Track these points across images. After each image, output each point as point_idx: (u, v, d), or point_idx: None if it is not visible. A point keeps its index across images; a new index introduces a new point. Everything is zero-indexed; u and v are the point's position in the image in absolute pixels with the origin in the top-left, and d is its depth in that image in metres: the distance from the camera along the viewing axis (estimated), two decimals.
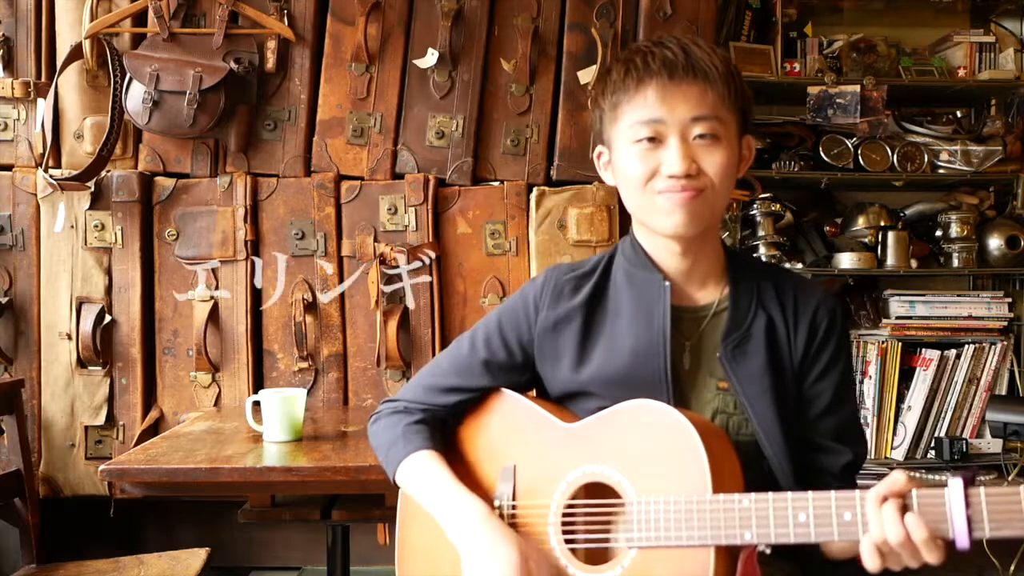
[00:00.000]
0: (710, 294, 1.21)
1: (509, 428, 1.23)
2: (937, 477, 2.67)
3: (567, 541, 1.11)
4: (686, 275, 1.21)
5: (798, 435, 1.17)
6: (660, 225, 1.16)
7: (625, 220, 2.52)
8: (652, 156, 1.13)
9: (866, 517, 0.94)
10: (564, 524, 1.12)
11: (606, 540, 1.09)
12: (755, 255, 2.64)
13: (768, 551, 1.01)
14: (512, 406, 1.25)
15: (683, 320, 1.19)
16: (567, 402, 1.24)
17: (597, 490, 1.09)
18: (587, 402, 1.19)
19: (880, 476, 0.98)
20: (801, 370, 1.18)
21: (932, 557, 0.90)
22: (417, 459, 1.21)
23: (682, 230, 1.15)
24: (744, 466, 1.08)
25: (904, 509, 0.92)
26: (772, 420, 1.13)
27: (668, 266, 1.20)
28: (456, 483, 1.17)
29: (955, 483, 0.89)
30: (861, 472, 1.22)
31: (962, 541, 0.89)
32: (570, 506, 1.12)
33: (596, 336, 1.20)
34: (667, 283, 1.18)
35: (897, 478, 0.94)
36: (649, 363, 1.15)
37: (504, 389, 1.27)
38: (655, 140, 1.13)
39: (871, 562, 0.94)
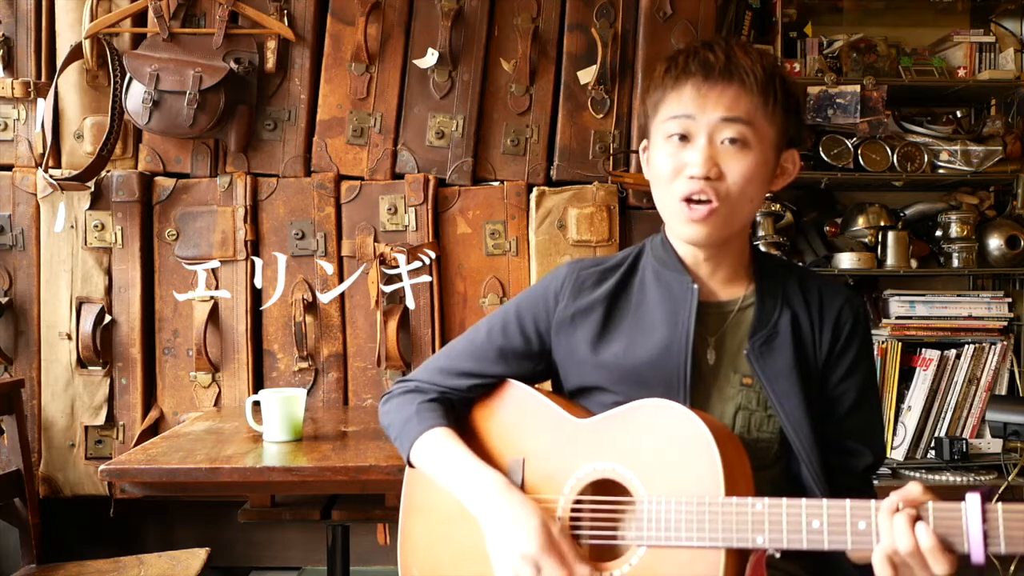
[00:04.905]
0: (735, 291, 1.22)
1: (519, 421, 1.23)
2: (937, 477, 2.67)
3: (574, 536, 1.11)
4: (712, 274, 1.22)
5: (822, 434, 1.17)
6: (678, 231, 1.18)
7: (625, 220, 2.52)
8: (679, 155, 1.14)
9: (880, 527, 0.94)
10: (572, 519, 1.12)
11: (613, 537, 1.09)
12: None
13: (778, 555, 1.01)
14: (523, 399, 1.25)
15: (708, 315, 1.20)
16: (581, 397, 1.24)
17: (606, 488, 1.09)
18: (602, 396, 1.20)
19: (881, 476, 0.98)
20: (826, 369, 1.19)
21: (940, 568, 0.91)
22: (433, 436, 1.22)
23: (696, 241, 1.17)
24: (764, 465, 1.08)
25: (917, 519, 0.92)
26: (801, 416, 1.14)
27: (695, 266, 1.21)
28: (473, 457, 1.18)
29: (973, 497, 0.90)
30: None
31: (977, 555, 0.89)
32: (578, 502, 1.12)
33: (616, 329, 1.21)
34: (695, 286, 1.18)
35: (912, 489, 0.94)
36: (670, 359, 1.16)
37: (515, 381, 1.27)
38: (685, 139, 1.14)
39: (882, 572, 0.94)
